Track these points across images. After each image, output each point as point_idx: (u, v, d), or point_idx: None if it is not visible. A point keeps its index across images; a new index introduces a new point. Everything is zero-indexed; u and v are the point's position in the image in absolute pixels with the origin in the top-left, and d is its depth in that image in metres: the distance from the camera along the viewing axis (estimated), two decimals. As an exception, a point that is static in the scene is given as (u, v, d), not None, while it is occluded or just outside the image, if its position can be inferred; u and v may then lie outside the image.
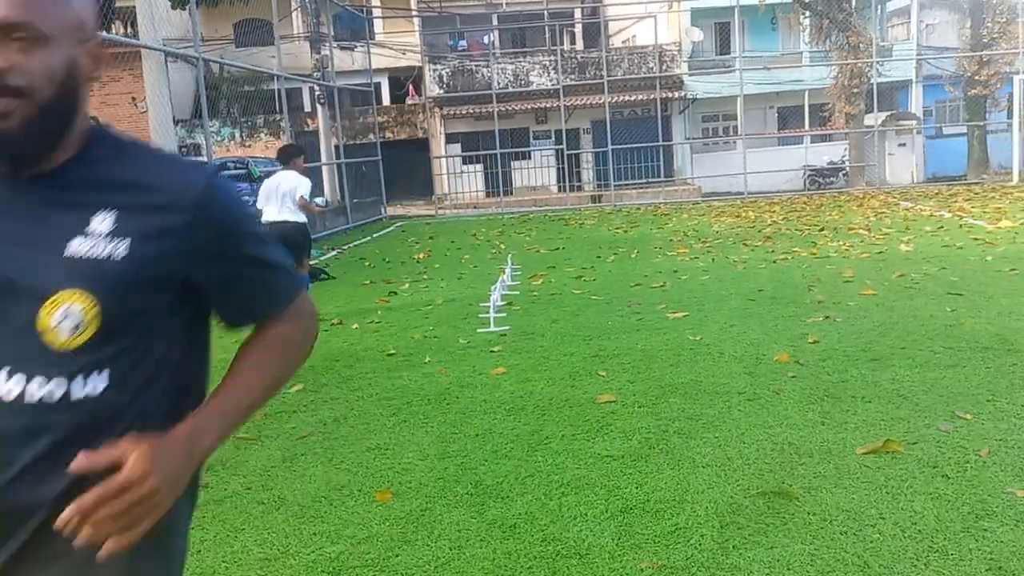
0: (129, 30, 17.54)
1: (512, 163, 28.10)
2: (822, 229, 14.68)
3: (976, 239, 12.10)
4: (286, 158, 9.74)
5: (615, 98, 26.98)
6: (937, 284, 8.78)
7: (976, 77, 25.16)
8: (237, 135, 28.73)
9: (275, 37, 18.56)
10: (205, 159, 14.64)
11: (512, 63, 28.85)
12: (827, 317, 7.44)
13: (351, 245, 17.46)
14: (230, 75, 26.59)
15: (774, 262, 11.11)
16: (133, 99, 24.45)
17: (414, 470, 4.43)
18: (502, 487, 4.12)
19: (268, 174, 18.00)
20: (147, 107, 12.63)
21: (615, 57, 28.44)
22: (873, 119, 25.47)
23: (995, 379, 5.35)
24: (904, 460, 4.15)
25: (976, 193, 20.65)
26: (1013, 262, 9.86)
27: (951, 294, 8.19)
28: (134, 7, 12.20)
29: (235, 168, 17.65)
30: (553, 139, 28.64)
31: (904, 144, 27.01)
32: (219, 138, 27.67)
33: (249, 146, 28.25)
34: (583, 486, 4.07)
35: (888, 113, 27.40)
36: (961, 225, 14.09)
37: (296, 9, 26.74)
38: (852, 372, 5.71)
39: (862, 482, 3.92)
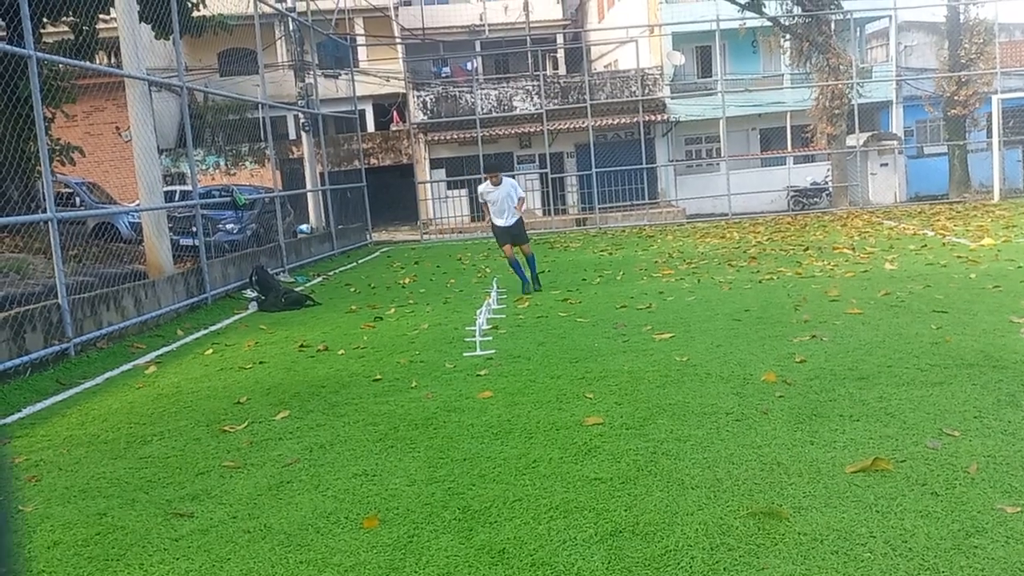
0: (113, 60, 17.53)
1: (497, 187, 28.12)
2: (807, 249, 14.74)
3: (959, 257, 12.18)
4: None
5: (598, 122, 27.16)
6: (922, 302, 8.82)
7: (955, 97, 25.49)
8: (222, 163, 28.72)
9: (259, 66, 18.58)
10: (190, 187, 14.61)
11: (495, 88, 29.03)
12: (813, 336, 7.46)
13: (337, 271, 17.43)
14: (214, 104, 26.61)
15: (759, 282, 11.14)
16: (117, 129, 24.42)
17: (401, 496, 4.39)
18: (490, 512, 4.09)
19: (252, 202, 18.20)
20: (131, 136, 12.59)
21: (597, 81, 28.69)
22: (855, 139, 25.72)
23: (981, 396, 5.36)
24: (893, 478, 4.14)
25: (958, 211, 20.82)
26: (996, 279, 9.93)
27: (936, 312, 8.22)
28: (118, 37, 12.20)
29: (220, 196, 17.59)
30: (537, 163, 28.81)
31: (886, 164, 27.31)
32: (204, 166, 27.66)
33: (234, 174, 28.24)
34: (572, 509, 4.04)
35: (869, 133, 27.70)
36: (944, 243, 14.19)
37: (280, 38, 26.83)
38: (839, 391, 5.71)
39: (851, 501, 3.91)
